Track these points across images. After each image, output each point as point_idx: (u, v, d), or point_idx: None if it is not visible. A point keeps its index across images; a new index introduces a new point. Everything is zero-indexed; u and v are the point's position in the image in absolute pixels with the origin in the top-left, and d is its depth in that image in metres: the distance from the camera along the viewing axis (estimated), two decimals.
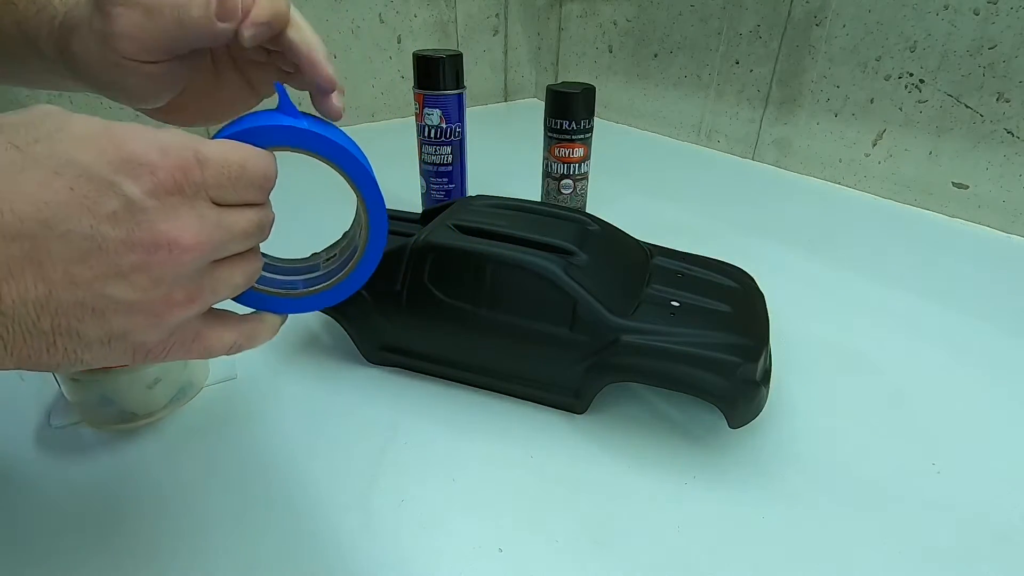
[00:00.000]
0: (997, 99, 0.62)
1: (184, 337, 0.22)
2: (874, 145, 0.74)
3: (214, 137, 0.23)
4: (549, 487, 0.34)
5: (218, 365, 0.41)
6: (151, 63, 0.27)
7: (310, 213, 0.56)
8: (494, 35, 1.16)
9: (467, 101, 0.59)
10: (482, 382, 0.40)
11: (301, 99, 0.25)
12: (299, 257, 0.31)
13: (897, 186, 0.73)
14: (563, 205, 0.55)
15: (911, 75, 0.68)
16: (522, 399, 0.40)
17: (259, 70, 0.32)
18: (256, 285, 0.27)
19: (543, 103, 0.58)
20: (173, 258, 0.20)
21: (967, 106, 0.64)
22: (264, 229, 0.24)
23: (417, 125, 0.60)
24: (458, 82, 0.58)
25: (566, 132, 0.57)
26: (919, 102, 0.68)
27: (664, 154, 0.92)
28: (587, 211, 0.49)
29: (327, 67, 0.29)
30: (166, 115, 0.32)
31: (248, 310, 0.27)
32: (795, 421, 0.38)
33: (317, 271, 0.30)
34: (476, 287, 0.38)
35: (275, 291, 0.28)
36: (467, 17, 1.10)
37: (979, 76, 0.63)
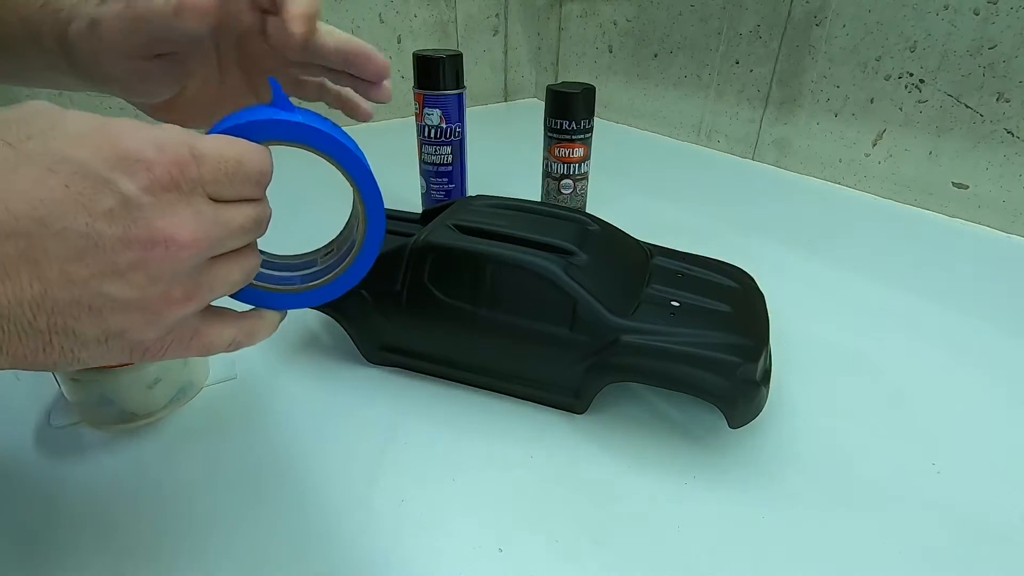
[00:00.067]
0: (997, 99, 0.62)
1: (182, 335, 0.22)
2: (874, 145, 0.74)
3: (209, 132, 0.23)
4: (549, 487, 0.34)
5: (218, 365, 0.41)
6: (139, 59, 0.28)
7: (307, 208, 0.56)
8: (494, 35, 1.16)
9: (467, 101, 0.59)
10: (482, 382, 0.40)
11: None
12: (296, 253, 0.31)
13: (897, 186, 0.73)
14: (563, 205, 0.55)
15: (911, 75, 0.68)
16: (522, 399, 0.40)
17: (303, 71, 0.34)
18: (254, 281, 0.26)
19: (543, 103, 0.58)
20: (170, 255, 0.20)
21: (967, 106, 0.64)
22: (261, 224, 0.23)
23: (417, 125, 0.60)
24: (458, 82, 0.58)
25: (566, 132, 0.57)
26: (919, 102, 0.68)
27: (664, 154, 0.92)
28: (587, 211, 0.49)
29: (380, 55, 0.31)
30: (166, 113, 0.32)
31: (246, 307, 0.27)
32: (795, 421, 0.38)
33: (315, 266, 0.30)
34: (476, 287, 0.38)
35: (273, 287, 0.27)
36: (467, 17, 1.10)
37: (979, 76, 0.63)
